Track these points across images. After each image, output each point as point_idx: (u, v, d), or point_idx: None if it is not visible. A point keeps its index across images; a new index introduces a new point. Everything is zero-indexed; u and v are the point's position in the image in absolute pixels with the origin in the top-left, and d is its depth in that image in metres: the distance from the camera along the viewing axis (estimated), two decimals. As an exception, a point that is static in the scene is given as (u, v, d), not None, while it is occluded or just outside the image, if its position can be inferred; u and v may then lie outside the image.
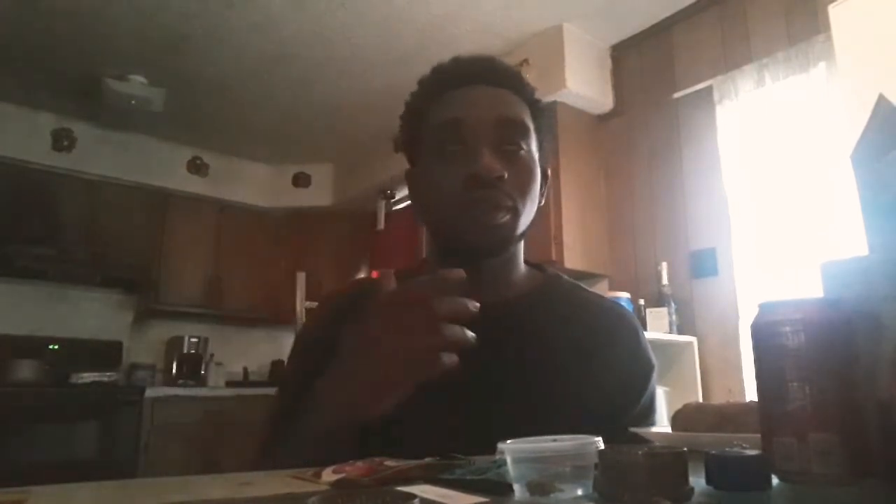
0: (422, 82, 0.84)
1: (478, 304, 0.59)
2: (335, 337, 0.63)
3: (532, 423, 0.69)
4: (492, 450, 0.51)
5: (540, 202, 0.84)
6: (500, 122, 0.77)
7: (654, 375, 0.86)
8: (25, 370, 3.74)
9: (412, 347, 0.58)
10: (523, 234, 0.82)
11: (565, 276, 0.92)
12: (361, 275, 4.75)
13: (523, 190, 0.77)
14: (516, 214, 0.77)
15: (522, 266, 0.87)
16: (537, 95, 0.86)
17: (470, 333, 0.58)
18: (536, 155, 0.82)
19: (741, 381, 2.63)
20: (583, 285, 0.93)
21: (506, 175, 0.74)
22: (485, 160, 0.74)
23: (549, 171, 0.87)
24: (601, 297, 0.93)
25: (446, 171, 0.76)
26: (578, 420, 0.56)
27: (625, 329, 0.87)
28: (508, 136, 0.77)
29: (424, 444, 0.57)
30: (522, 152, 0.78)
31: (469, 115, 0.77)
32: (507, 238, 0.78)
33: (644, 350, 0.86)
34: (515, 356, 0.77)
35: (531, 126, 0.81)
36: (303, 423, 0.65)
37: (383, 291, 0.61)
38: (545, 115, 0.86)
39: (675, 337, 2.79)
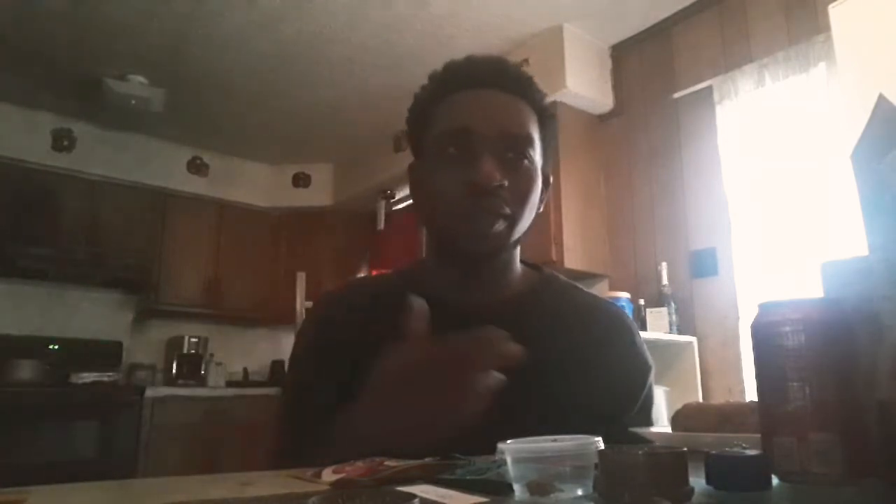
0: (433, 78, 0.83)
1: (521, 350, 0.61)
2: (337, 338, 0.64)
3: (526, 423, 0.69)
4: (487, 450, 0.51)
5: (539, 209, 0.84)
6: (507, 133, 0.77)
7: (651, 376, 0.87)
8: (25, 370, 3.73)
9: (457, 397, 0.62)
10: (519, 240, 0.82)
11: (561, 277, 0.92)
12: (361, 274, 4.75)
13: (522, 199, 0.78)
14: (513, 222, 0.78)
15: (518, 267, 0.88)
16: (546, 101, 0.85)
17: (499, 376, 0.62)
18: (539, 163, 0.82)
19: (741, 381, 2.63)
20: (580, 286, 0.93)
21: (506, 183, 0.75)
22: (486, 168, 0.74)
23: (551, 177, 0.87)
24: (596, 297, 0.94)
25: (447, 175, 0.77)
26: (574, 420, 0.56)
27: (620, 329, 0.87)
28: (512, 147, 0.78)
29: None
30: (525, 162, 0.78)
31: (477, 124, 0.77)
32: (501, 245, 0.79)
33: (640, 351, 0.87)
34: None
35: (536, 136, 0.81)
36: (346, 436, 0.67)
37: (420, 347, 0.64)
38: (552, 121, 0.86)
39: (675, 337, 2.79)
